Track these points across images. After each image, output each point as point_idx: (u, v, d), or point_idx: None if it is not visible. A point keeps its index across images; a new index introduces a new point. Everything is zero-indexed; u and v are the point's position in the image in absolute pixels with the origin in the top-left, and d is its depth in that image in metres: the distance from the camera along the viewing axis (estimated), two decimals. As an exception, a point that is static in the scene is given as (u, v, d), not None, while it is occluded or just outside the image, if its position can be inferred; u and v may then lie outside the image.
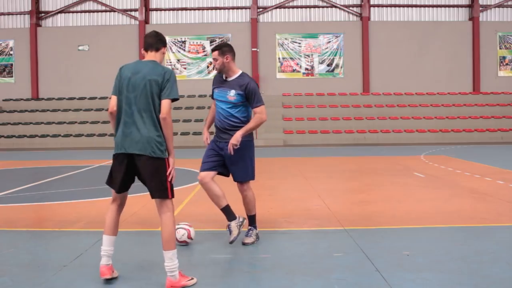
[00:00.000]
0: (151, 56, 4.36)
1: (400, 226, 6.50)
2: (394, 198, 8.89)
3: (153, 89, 4.15)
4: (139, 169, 4.16)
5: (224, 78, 5.49)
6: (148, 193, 4.26)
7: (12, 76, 34.14)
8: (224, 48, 5.40)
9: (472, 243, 5.54)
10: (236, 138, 5.25)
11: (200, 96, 32.61)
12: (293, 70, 33.42)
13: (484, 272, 4.44)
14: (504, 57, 33.54)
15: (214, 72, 5.23)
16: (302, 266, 4.65)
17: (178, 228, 5.41)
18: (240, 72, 5.50)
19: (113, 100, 4.25)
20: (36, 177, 13.05)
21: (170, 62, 33.33)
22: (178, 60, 33.46)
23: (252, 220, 5.67)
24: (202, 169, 5.50)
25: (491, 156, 18.72)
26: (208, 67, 33.27)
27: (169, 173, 4.17)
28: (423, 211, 7.50)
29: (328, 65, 33.33)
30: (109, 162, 17.45)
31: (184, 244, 5.47)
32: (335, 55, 33.32)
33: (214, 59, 5.43)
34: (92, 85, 33.07)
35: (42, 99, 33.06)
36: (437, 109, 31.43)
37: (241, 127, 5.40)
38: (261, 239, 5.70)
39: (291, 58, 33.37)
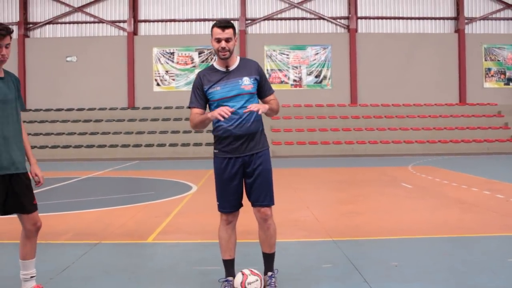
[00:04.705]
0: None
1: (388, 237, 6.52)
2: (382, 209, 8.93)
3: None
4: None
5: (225, 69, 4.13)
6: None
7: (-1, 87, 33.86)
8: (233, 26, 4.11)
9: (459, 253, 5.57)
10: (265, 106, 4.07)
11: (189, 107, 32.50)
12: (281, 82, 33.51)
13: (471, 282, 4.46)
14: (489, 69, 33.93)
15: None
16: (290, 278, 4.64)
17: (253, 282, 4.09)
18: (238, 56, 4.24)
19: None
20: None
21: (159, 74, 33.31)
22: (167, 71, 33.43)
23: (272, 260, 4.37)
24: (229, 209, 4.20)
25: (478, 167, 18.87)
26: (196, 78, 33.19)
27: None
28: (410, 221, 7.54)
29: (316, 77, 33.49)
30: (97, 173, 17.37)
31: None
32: (323, 67, 33.51)
33: (226, 39, 4.01)
34: (80, 96, 32.92)
35: (30, 110, 32.82)
36: (424, 120, 31.65)
37: (262, 128, 4.24)
38: (249, 250, 5.67)
39: (279, 70, 33.49)
